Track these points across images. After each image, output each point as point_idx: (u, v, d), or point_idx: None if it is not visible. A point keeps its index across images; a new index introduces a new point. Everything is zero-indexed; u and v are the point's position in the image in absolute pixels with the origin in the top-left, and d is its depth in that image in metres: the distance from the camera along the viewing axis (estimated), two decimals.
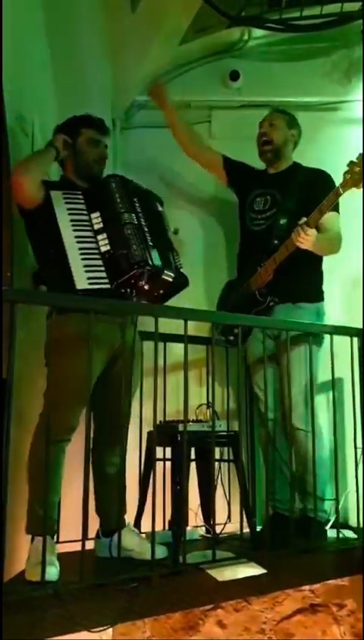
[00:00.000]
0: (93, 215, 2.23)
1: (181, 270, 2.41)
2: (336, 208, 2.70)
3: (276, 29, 3.27)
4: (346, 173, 2.48)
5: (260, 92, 3.44)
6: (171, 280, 2.31)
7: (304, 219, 2.55)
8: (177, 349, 2.58)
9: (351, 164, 2.47)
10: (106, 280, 2.16)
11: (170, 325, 2.13)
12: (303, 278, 2.77)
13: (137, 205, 2.28)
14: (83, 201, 2.25)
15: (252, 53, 3.51)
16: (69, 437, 2.13)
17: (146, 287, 2.21)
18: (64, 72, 2.91)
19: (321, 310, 2.80)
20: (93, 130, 2.37)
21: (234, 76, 3.45)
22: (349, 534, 2.60)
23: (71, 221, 2.19)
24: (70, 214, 2.20)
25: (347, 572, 2.52)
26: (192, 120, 3.44)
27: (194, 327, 2.35)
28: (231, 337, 2.81)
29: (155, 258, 2.24)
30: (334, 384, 2.51)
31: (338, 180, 2.55)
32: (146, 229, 2.26)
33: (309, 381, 2.43)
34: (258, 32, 3.40)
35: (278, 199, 2.87)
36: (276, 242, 2.73)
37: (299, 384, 2.51)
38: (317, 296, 2.83)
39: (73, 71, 3.03)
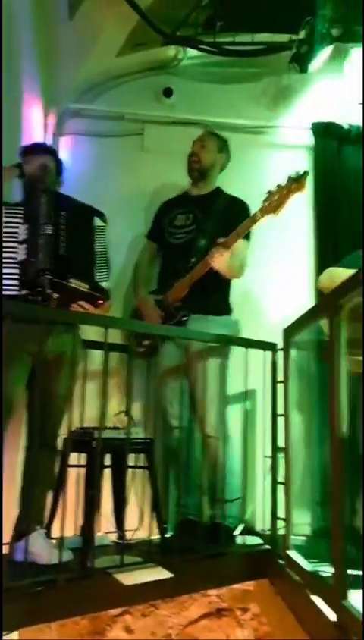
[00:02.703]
0: (22, 227, 2.37)
1: (101, 283, 2.48)
2: (247, 236, 2.84)
3: (209, 51, 3.38)
4: (264, 200, 2.62)
5: (192, 111, 3.54)
6: (83, 290, 2.39)
7: (222, 239, 2.67)
8: (97, 357, 2.61)
9: (270, 192, 2.61)
10: (16, 288, 2.28)
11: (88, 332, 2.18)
12: (214, 293, 2.89)
13: (63, 218, 2.40)
14: (21, 214, 2.38)
15: (186, 72, 3.60)
16: None
17: (55, 296, 2.30)
18: None
19: (229, 323, 2.92)
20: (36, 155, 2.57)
21: (168, 92, 3.54)
22: (255, 540, 2.70)
23: (5, 234, 2.33)
24: (5, 226, 2.35)
25: (253, 576, 2.62)
26: (125, 132, 3.51)
27: (115, 337, 2.41)
28: (141, 349, 2.90)
29: (63, 268, 2.34)
30: (247, 396, 2.62)
31: (257, 201, 2.67)
32: (63, 240, 2.37)
33: (221, 391, 2.53)
34: (192, 52, 3.49)
35: (199, 218, 2.98)
36: (194, 260, 2.84)
37: (210, 393, 2.61)
38: (226, 309, 2.95)
39: (7, 74, 3.01)
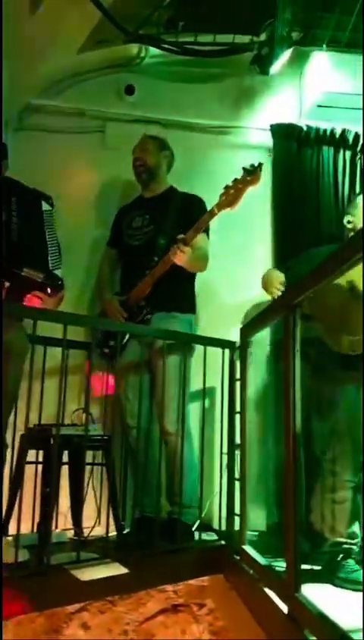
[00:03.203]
0: None
1: (55, 272, 2.43)
2: (206, 231, 2.89)
3: (171, 50, 3.40)
4: (221, 195, 2.67)
5: (154, 109, 3.55)
6: (38, 280, 2.33)
7: (182, 236, 2.70)
8: (56, 353, 2.59)
9: (226, 187, 2.66)
10: None
11: (51, 329, 2.17)
12: (177, 290, 2.91)
13: (14, 204, 2.34)
14: None
15: (148, 70, 3.60)
16: None
17: (7, 285, 2.24)
18: None
19: (192, 321, 2.95)
20: None
21: (130, 90, 3.54)
22: (212, 536, 2.73)
23: None
24: None
25: (208, 572, 2.64)
26: (86, 129, 3.50)
27: (74, 333, 2.40)
28: (106, 350, 2.90)
29: (15, 256, 2.28)
30: (205, 393, 2.65)
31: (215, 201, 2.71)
32: (16, 227, 2.31)
33: (182, 387, 2.56)
34: (155, 50, 3.50)
35: (156, 218, 3.00)
36: (156, 259, 2.85)
37: (171, 390, 2.63)
38: (189, 307, 2.99)
39: None
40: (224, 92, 3.68)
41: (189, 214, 2.86)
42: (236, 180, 2.64)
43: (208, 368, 2.59)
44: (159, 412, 2.74)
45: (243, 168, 2.64)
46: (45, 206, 2.50)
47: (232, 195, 2.62)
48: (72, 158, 3.45)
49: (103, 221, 3.35)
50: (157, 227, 2.97)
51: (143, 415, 2.73)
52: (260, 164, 2.62)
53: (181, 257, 2.71)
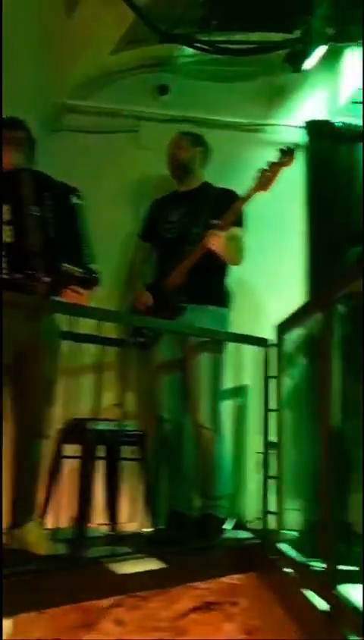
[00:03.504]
0: (5, 207, 2.29)
1: (90, 266, 2.43)
2: (241, 224, 2.90)
3: (204, 49, 3.39)
4: (256, 177, 2.70)
5: (187, 108, 3.55)
6: (76, 274, 2.34)
7: (216, 221, 2.70)
8: (90, 350, 2.61)
9: (261, 170, 2.69)
10: (6, 271, 2.21)
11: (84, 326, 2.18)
12: (211, 282, 2.91)
13: (47, 199, 2.35)
14: None
15: (182, 69, 3.60)
16: None
17: (47, 279, 2.25)
18: None
19: (226, 315, 2.94)
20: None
21: (163, 89, 3.55)
22: (245, 534, 2.72)
23: None
24: None
25: (241, 570, 2.64)
26: (120, 129, 3.52)
27: (111, 331, 2.41)
28: (141, 339, 2.88)
29: (54, 251, 2.30)
30: (239, 391, 2.64)
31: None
32: (51, 222, 2.33)
33: (216, 384, 2.56)
34: (188, 50, 3.50)
35: (192, 211, 3.00)
36: (189, 247, 2.85)
37: (204, 385, 2.64)
38: (223, 301, 2.97)
39: (4, 68, 3.02)
40: (258, 90, 3.66)
41: (224, 208, 2.86)
42: (270, 162, 2.66)
43: (241, 366, 2.58)
44: (192, 406, 2.74)
45: (280, 149, 2.67)
46: (74, 200, 2.51)
47: (267, 177, 2.64)
48: (106, 158, 3.47)
49: (137, 219, 3.36)
50: (192, 219, 2.97)
51: (176, 409, 2.73)
52: (296, 145, 2.63)
53: (216, 241, 2.70)
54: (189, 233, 2.93)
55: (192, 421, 2.73)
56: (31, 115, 2.95)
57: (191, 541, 2.36)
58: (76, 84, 3.45)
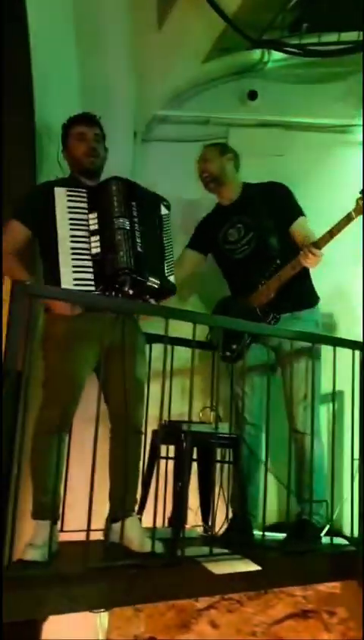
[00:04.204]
0: (91, 216, 2.25)
1: (169, 277, 2.43)
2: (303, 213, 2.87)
3: (295, 53, 3.39)
4: (359, 199, 2.59)
5: (276, 112, 3.56)
6: (156, 287, 2.33)
7: (313, 241, 2.65)
8: (182, 354, 2.64)
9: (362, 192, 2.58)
10: (92, 283, 2.19)
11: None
12: (299, 288, 2.84)
13: (135, 209, 2.30)
14: (85, 199, 2.26)
15: (270, 74, 3.62)
16: (63, 429, 2.21)
17: (131, 292, 2.24)
18: (90, 83, 3.05)
19: (319, 320, 2.90)
20: (76, 125, 2.42)
21: (252, 95, 3.58)
22: (342, 541, 2.65)
23: (70, 219, 2.22)
24: (69, 212, 2.22)
25: (338, 577, 2.58)
26: (210, 137, 3.55)
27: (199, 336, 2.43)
28: (228, 353, 2.85)
29: (142, 266, 2.26)
30: (335, 396, 2.59)
31: (344, 200, 2.65)
32: (138, 235, 2.28)
33: (312, 389, 2.53)
34: (277, 54, 3.52)
35: (249, 223, 2.93)
36: (279, 261, 2.78)
37: (301, 390, 2.63)
38: (313, 304, 2.91)
39: (98, 83, 3.16)
40: (349, 91, 3.60)
41: (275, 202, 2.85)
42: None
43: (337, 371, 2.53)
44: (290, 413, 2.72)
45: None
46: (163, 210, 2.49)
47: None
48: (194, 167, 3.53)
49: None
50: (255, 232, 2.90)
51: (260, 414, 2.71)
52: None
53: (313, 260, 2.66)
54: (264, 245, 2.86)
55: (290, 428, 2.72)
56: (123, 126, 3.08)
57: (288, 544, 2.33)
58: (167, 95, 3.54)
